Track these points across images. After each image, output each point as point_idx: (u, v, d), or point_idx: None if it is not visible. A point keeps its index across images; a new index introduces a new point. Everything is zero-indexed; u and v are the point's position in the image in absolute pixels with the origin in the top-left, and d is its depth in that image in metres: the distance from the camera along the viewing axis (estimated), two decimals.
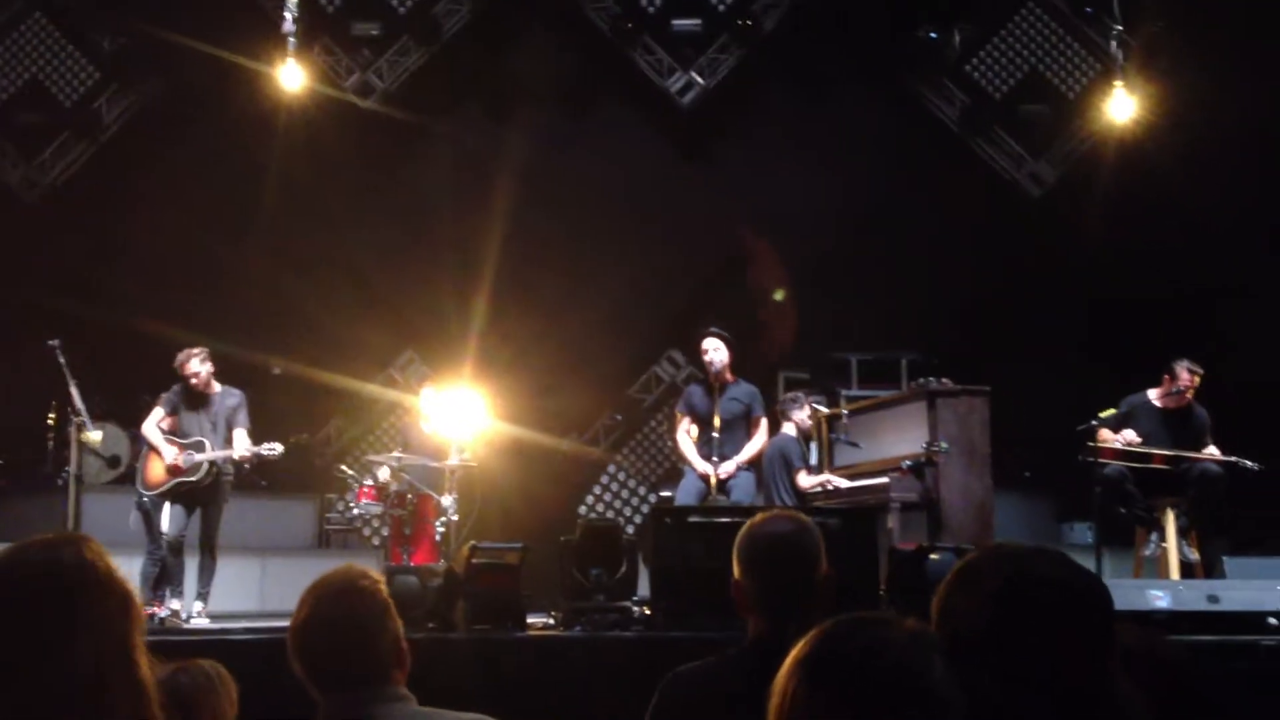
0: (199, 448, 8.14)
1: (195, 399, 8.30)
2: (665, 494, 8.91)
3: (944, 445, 7.92)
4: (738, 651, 2.77)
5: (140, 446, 8.51)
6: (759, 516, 2.88)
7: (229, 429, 8.30)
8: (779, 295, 12.58)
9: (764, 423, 8.29)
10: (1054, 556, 1.88)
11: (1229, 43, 10.83)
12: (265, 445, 8.28)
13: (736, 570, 2.80)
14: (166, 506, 8.11)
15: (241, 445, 8.22)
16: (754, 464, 8.33)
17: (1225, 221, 10.95)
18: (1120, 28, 9.40)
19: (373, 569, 2.73)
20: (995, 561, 1.85)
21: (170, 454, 8.09)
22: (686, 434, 8.22)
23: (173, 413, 8.30)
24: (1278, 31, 10.45)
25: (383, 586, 2.59)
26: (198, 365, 8.23)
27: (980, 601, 1.80)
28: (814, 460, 9.34)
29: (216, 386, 8.38)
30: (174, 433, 8.26)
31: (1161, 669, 2.44)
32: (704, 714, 2.68)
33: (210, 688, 2.69)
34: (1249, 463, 7.83)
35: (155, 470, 8.17)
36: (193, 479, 8.10)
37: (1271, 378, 10.13)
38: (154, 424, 8.25)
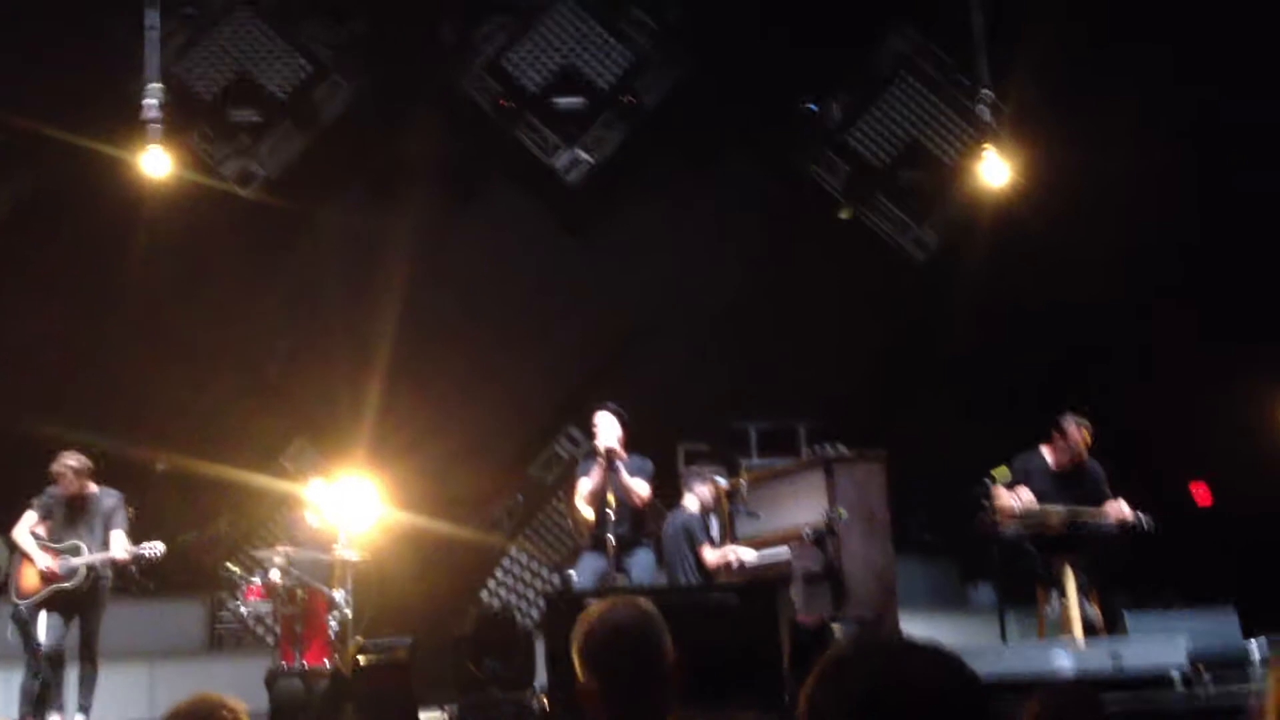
0: (74, 551, 7.80)
1: (71, 501, 7.96)
2: (570, 572, 8.69)
3: (843, 513, 7.86)
4: None
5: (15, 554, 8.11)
6: (595, 608, 2.71)
7: (106, 531, 7.96)
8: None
9: (646, 485, 8.01)
10: (928, 656, 1.75)
11: (1097, 106, 11.15)
12: (146, 545, 7.97)
13: (579, 670, 2.64)
14: (43, 616, 7.73)
15: (120, 547, 7.88)
16: (654, 543, 8.19)
17: (1099, 278, 11.20)
18: (991, 93, 9.59)
19: (230, 698, 2.54)
20: (861, 659, 1.73)
21: (43, 561, 7.73)
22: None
23: (46, 516, 7.95)
24: (1143, 94, 10.78)
25: (244, 717, 2.41)
26: (64, 468, 7.90)
27: (844, 702, 1.67)
28: (715, 533, 9.21)
29: (93, 487, 8.05)
30: (49, 537, 7.90)
31: None
32: None
33: None
34: (1143, 520, 7.86)
35: (29, 578, 7.80)
36: (69, 585, 7.75)
37: (1151, 431, 10.34)
38: (26, 529, 7.89)
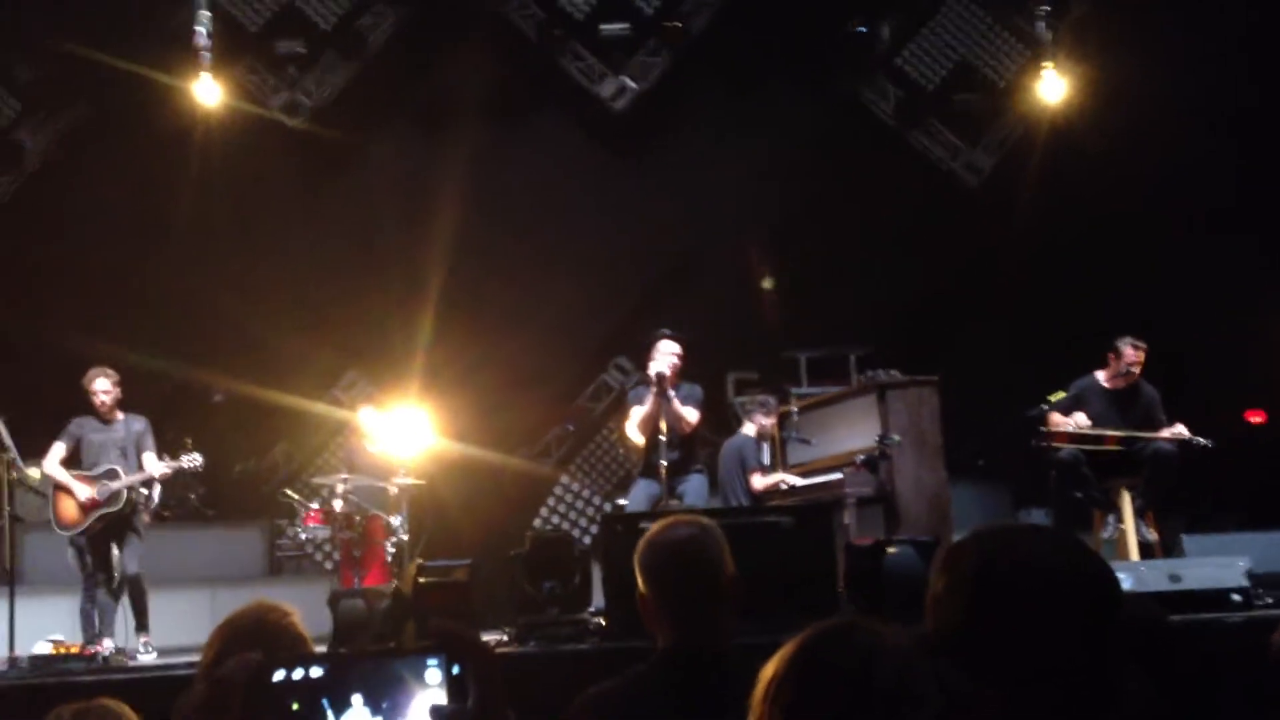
0: (112, 476, 7.89)
1: (100, 427, 8.06)
2: (620, 502, 8.74)
3: (896, 438, 7.83)
4: (649, 667, 2.64)
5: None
6: (657, 525, 2.76)
7: (138, 455, 8.07)
8: (767, 284, 12.55)
9: (695, 412, 7.94)
10: (1045, 536, 1.71)
11: (1155, 21, 10.89)
12: (185, 457, 8.05)
13: (641, 583, 2.68)
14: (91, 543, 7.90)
15: (158, 463, 7.99)
16: (706, 468, 8.21)
17: (1159, 197, 11.01)
18: (1048, 8, 9.39)
19: (283, 602, 2.60)
20: (976, 543, 1.70)
21: (83, 492, 7.84)
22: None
23: (74, 445, 8.04)
24: (1202, 8, 10.52)
25: (295, 619, 2.48)
26: (106, 384, 8.01)
27: (959, 588, 1.66)
28: (767, 460, 9.24)
29: (120, 414, 8.14)
30: (79, 465, 8.00)
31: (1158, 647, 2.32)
32: None
33: None
34: (1201, 440, 7.79)
35: (68, 509, 7.89)
36: (113, 509, 7.85)
37: (1206, 352, 10.21)
38: (56, 461, 7.97)
